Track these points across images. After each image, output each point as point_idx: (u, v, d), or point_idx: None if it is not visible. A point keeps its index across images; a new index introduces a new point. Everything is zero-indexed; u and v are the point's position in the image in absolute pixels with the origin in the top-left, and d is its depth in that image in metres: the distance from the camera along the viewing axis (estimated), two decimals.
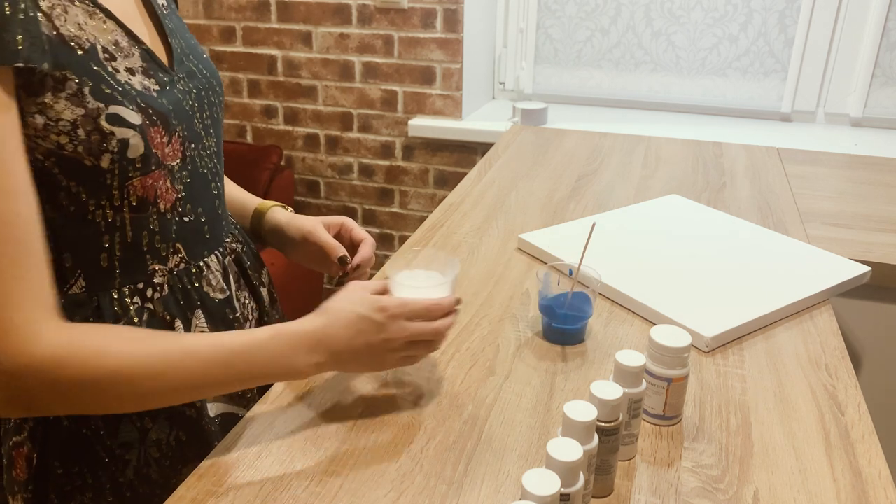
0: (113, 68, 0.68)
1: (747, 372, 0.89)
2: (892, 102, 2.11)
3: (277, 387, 0.84)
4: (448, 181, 2.27)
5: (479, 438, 0.76)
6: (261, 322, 0.94)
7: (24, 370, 0.61)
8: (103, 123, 0.66)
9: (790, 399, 0.84)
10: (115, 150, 0.67)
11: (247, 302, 0.90)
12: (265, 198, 1.03)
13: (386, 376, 0.86)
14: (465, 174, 1.58)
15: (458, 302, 0.78)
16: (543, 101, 2.30)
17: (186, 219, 0.78)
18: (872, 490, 0.70)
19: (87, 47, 0.66)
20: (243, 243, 0.92)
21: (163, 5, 0.82)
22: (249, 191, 1.03)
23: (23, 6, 0.60)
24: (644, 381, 0.73)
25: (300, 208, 2.47)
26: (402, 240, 2.34)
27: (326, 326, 0.72)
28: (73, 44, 0.65)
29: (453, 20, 2.09)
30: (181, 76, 0.77)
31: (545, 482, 0.57)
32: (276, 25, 2.26)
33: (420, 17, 2.12)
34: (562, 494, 0.59)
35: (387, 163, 2.31)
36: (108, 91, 0.67)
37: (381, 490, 0.69)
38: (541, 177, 1.55)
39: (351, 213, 2.41)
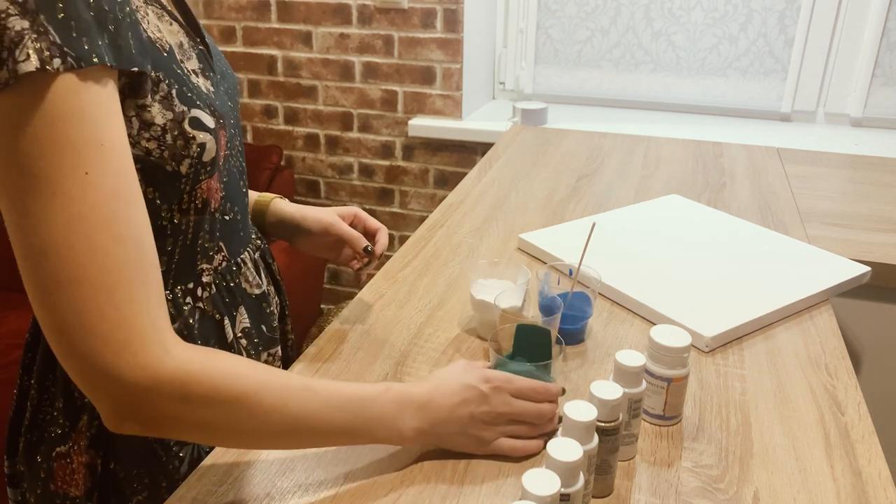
0: (187, 69, 0.68)
1: (747, 372, 0.89)
2: (892, 102, 2.11)
3: None
4: (448, 181, 2.27)
5: None
6: (282, 314, 0.95)
7: (151, 383, 0.57)
8: (187, 128, 0.65)
9: (790, 399, 0.84)
10: (195, 154, 0.67)
11: (273, 295, 0.91)
12: None
13: (387, 376, 0.86)
14: (466, 174, 1.58)
15: (563, 391, 0.78)
16: (543, 101, 2.30)
17: (227, 217, 0.78)
18: (872, 490, 0.70)
19: (167, 49, 0.66)
20: (261, 238, 0.93)
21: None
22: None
23: (128, 9, 0.59)
24: (644, 381, 0.73)
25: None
26: (403, 240, 2.34)
27: (433, 391, 0.70)
28: (158, 45, 0.64)
29: (453, 20, 2.09)
30: (219, 76, 0.77)
31: (545, 482, 0.57)
32: (276, 25, 2.26)
33: (420, 17, 2.12)
34: (562, 494, 0.59)
35: (387, 163, 2.31)
36: (189, 94, 0.66)
37: (381, 490, 0.69)
38: (541, 177, 1.55)
39: None
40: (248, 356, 0.83)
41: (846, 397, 0.84)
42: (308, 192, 2.44)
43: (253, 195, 0.99)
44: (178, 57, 0.67)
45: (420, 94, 2.21)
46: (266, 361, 0.86)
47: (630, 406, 0.72)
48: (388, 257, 1.16)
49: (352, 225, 0.97)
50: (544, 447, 0.74)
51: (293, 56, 2.28)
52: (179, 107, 0.65)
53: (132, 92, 0.61)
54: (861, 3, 2.03)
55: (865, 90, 2.10)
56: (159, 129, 0.63)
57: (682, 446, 0.76)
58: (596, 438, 0.65)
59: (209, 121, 0.68)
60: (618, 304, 1.04)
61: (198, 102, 0.67)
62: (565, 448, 0.60)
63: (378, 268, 1.05)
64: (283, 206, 0.97)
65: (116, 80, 0.58)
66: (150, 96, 0.62)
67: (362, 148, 2.32)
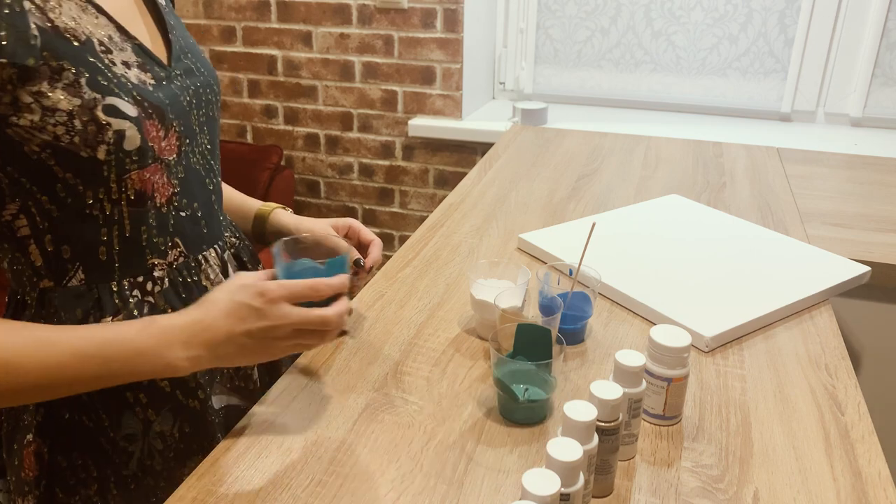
0: (109, 61, 0.69)
1: (747, 372, 0.89)
2: (891, 102, 2.11)
3: (277, 386, 0.84)
4: (448, 181, 2.27)
5: (479, 438, 0.76)
6: None
7: None
8: (99, 114, 0.66)
9: (790, 399, 0.84)
10: (112, 141, 0.67)
11: None
12: (265, 198, 1.04)
13: (386, 377, 0.86)
14: (465, 174, 1.58)
15: (348, 286, 0.72)
16: (543, 101, 2.30)
17: (183, 213, 0.78)
18: (872, 490, 0.70)
19: (83, 39, 0.67)
20: (240, 239, 0.93)
21: (163, 4, 0.82)
22: (249, 191, 1.04)
23: (8, 0, 0.61)
24: (644, 381, 0.73)
25: (300, 208, 2.47)
26: (403, 240, 2.34)
27: (202, 318, 0.67)
28: (68, 35, 0.66)
29: (453, 20, 2.09)
30: (179, 73, 0.77)
31: (545, 482, 0.57)
32: (276, 25, 2.26)
33: (420, 17, 2.12)
34: (562, 494, 0.59)
35: (387, 163, 2.31)
36: (104, 82, 0.67)
37: (381, 490, 0.69)
38: (541, 177, 1.55)
39: (351, 212, 2.41)
40: None
41: (846, 397, 0.84)
42: (308, 192, 2.44)
43: (255, 204, 0.99)
44: (98, 48, 0.68)
45: (420, 93, 2.21)
46: None
47: (630, 406, 0.72)
48: (388, 258, 1.16)
49: (346, 236, 0.97)
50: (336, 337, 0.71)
51: (293, 56, 2.29)
52: (90, 94, 0.66)
53: (22, 80, 0.63)
54: (861, 4, 2.03)
55: (865, 90, 2.10)
56: (65, 114, 0.65)
57: (682, 446, 0.76)
58: (596, 438, 0.65)
59: (129, 109, 0.68)
60: (618, 304, 1.04)
61: (116, 91, 0.67)
62: (565, 448, 0.60)
63: (379, 267, 1.05)
64: (282, 216, 0.98)
65: None
66: (46, 83, 0.63)
67: (362, 148, 2.32)
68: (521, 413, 0.78)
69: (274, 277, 0.71)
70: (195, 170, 0.80)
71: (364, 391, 0.83)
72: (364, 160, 2.34)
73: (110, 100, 0.67)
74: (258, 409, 0.80)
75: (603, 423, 0.66)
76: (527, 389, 0.78)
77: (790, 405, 0.83)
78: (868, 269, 1.11)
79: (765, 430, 0.79)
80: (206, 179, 0.82)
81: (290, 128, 2.38)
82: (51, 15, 0.65)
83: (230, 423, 0.79)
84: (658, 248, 1.17)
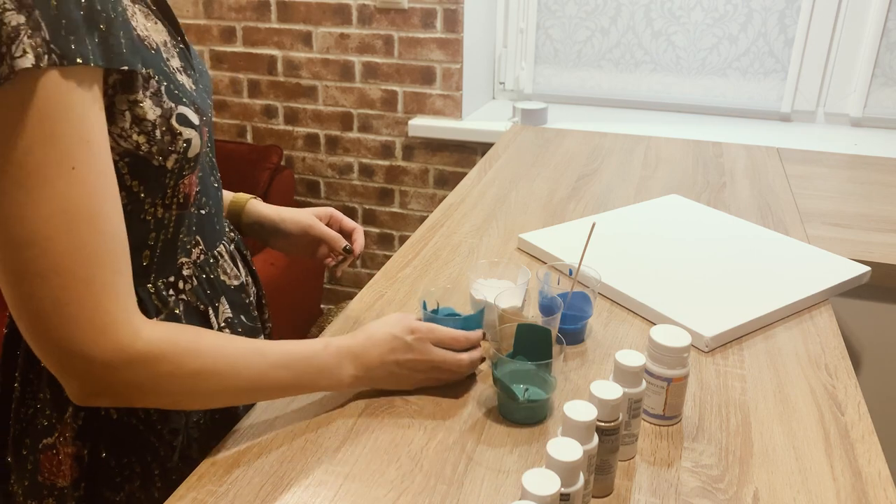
0: (172, 68, 0.69)
1: (747, 372, 0.89)
2: (891, 102, 2.11)
3: None
4: (448, 181, 2.27)
5: (478, 438, 0.76)
6: (259, 303, 0.95)
7: (123, 364, 0.62)
8: (174, 123, 0.67)
9: (790, 399, 0.84)
10: (181, 150, 0.68)
11: (250, 285, 0.92)
12: (265, 198, 1.04)
13: None
14: (465, 174, 1.58)
15: (483, 336, 0.85)
16: (543, 101, 2.30)
17: (202, 211, 0.80)
18: (872, 490, 0.70)
19: (155, 47, 0.67)
20: (234, 231, 0.94)
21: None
22: (250, 190, 1.04)
23: (120, 8, 0.60)
24: (644, 381, 0.73)
25: (301, 208, 2.47)
26: (403, 240, 2.34)
27: (365, 342, 0.79)
28: (146, 44, 0.66)
29: (453, 20, 2.09)
30: (198, 74, 0.78)
31: (545, 482, 0.57)
32: (276, 25, 2.26)
33: (420, 17, 2.12)
34: (562, 494, 0.59)
35: (387, 163, 2.31)
36: (175, 91, 0.67)
37: (381, 490, 0.69)
38: (541, 177, 1.55)
39: (351, 212, 2.41)
40: None
41: (846, 397, 0.84)
42: (308, 192, 2.44)
43: (227, 195, 0.99)
44: (164, 55, 0.68)
45: (420, 93, 2.21)
46: None
47: (630, 406, 0.72)
48: (388, 258, 1.16)
49: (328, 225, 1.01)
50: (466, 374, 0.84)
51: (293, 56, 2.28)
52: (168, 103, 0.66)
53: (123, 88, 0.62)
54: (861, 4, 2.03)
55: (865, 90, 2.10)
56: (150, 124, 0.65)
57: (681, 446, 0.76)
58: (596, 438, 0.65)
59: (194, 117, 0.69)
60: (618, 303, 1.04)
61: (183, 99, 0.68)
62: (565, 448, 0.60)
63: (377, 267, 1.05)
64: (259, 207, 0.99)
65: (101, 80, 0.60)
66: (141, 92, 0.63)
67: (362, 148, 2.32)
68: (521, 413, 0.78)
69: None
70: (206, 168, 0.81)
71: (364, 391, 0.83)
72: (364, 160, 2.34)
73: (181, 109, 0.68)
74: (258, 410, 0.80)
75: (603, 423, 0.66)
76: (527, 389, 0.79)
77: (790, 405, 0.83)
78: (868, 269, 1.11)
79: (765, 430, 0.79)
80: (211, 176, 0.83)
81: (290, 128, 2.38)
82: (133, 23, 0.64)
83: (248, 407, 0.83)
84: (658, 248, 1.17)
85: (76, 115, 0.57)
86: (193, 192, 0.76)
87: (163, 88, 0.66)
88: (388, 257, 2.40)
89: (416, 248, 1.20)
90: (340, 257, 1.00)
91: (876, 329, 1.34)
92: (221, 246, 0.85)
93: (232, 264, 0.86)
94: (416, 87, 2.20)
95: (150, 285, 0.74)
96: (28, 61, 0.53)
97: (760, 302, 1.00)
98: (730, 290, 1.04)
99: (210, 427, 0.81)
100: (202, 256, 0.81)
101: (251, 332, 0.87)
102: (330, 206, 2.42)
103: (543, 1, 2.29)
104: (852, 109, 2.13)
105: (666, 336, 0.77)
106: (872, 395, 1.19)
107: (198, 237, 0.80)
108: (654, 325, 0.87)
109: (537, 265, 1.15)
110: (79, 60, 0.56)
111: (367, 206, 2.39)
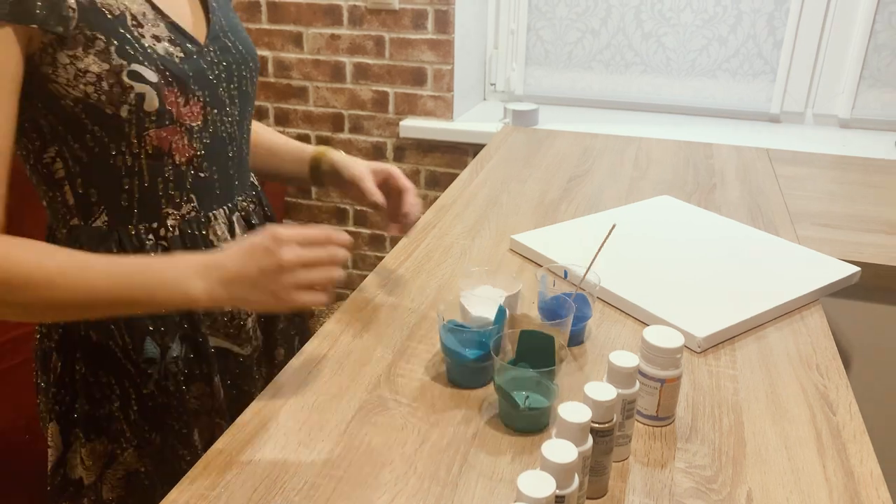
0: (139, 33, 0.78)
1: (739, 372, 0.89)
2: (879, 104, 2.12)
3: (269, 389, 0.84)
4: (439, 182, 2.27)
5: (472, 440, 0.76)
6: None
7: None
8: (124, 78, 0.75)
9: (782, 399, 0.84)
10: (133, 102, 0.77)
11: None
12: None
13: (379, 379, 0.86)
14: (457, 175, 1.58)
15: (350, 242, 0.80)
16: (534, 102, 2.30)
17: (202, 174, 0.87)
18: (864, 489, 0.71)
19: (116, 13, 0.76)
20: (257, 204, 0.99)
21: None
22: None
23: None
24: (637, 382, 0.73)
25: (291, 209, 2.46)
26: (394, 241, 2.34)
27: (219, 255, 0.75)
28: (104, 10, 0.75)
29: (444, 21, 2.09)
30: (213, 49, 0.86)
31: (540, 484, 0.57)
32: (266, 26, 2.25)
33: (411, 18, 2.11)
34: (557, 496, 0.59)
35: None
36: (131, 51, 0.76)
37: (375, 492, 0.69)
38: (532, 178, 1.55)
39: (342, 213, 2.41)
40: None
41: (837, 397, 0.85)
42: (298, 193, 2.43)
43: (307, 149, 1.08)
44: (131, 22, 0.77)
45: (411, 94, 2.20)
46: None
47: (624, 407, 0.72)
48: (380, 259, 1.15)
49: (383, 181, 1.04)
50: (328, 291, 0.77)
51: (284, 57, 2.28)
52: (117, 60, 0.75)
53: (61, 45, 0.73)
54: (849, 5, 2.04)
55: (853, 91, 2.11)
56: (94, 76, 0.74)
57: (675, 447, 0.76)
58: (590, 440, 0.65)
59: (151, 76, 0.77)
60: (610, 305, 1.04)
61: (141, 59, 0.77)
62: (560, 449, 0.60)
63: (370, 268, 1.04)
64: (331, 155, 1.06)
65: (23, 35, 0.70)
66: (81, 49, 0.73)
67: (353, 149, 2.32)
68: (523, 421, 0.78)
69: None
70: (221, 137, 0.88)
71: (357, 393, 0.83)
72: None
73: (135, 66, 0.76)
74: (250, 413, 0.80)
75: (597, 425, 0.66)
76: (527, 397, 0.78)
77: (782, 405, 0.83)
78: (858, 269, 1.11)
79: (757, 430, 0.79)
80: (228, 147, 0.90)
81: (280, 128, 2.37)
82: None
83: (218, 363, 0.90)
84: (649, 249, 1.17)
85: None
86: (183, 152, 0.83)
87: (112, 48, 0.75)
88: (380, 258, 2.39)
89: (409, 249, 1.20)
90: (387, 216, 1.04)
91: (866, 329, 1.35)
92: (221, 210, 0.90)
93: (226, 230, 0.91)
94: (407, 88, 2.20)
95: (130, 227, 0.83)
96: None
97: (752, 302, 1.00)
98: (721, 290, 1.04)
99: (185, 363, 0.88)
100: (192, 213, 0.87)
101: None
102: (321, 206, 2.42)
103: (534, 2, 2.29)
104: (840, 111, 2.14)
105: (659, 337, 0.77)
106: (863, 394, 1.19)
107: (192, 195, 0.86)
108: (647, 326, 0.87)
109: (530, 266, 1.15)
110: None
111: (359, 208, 2.38)
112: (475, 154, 1.90)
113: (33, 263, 0.70)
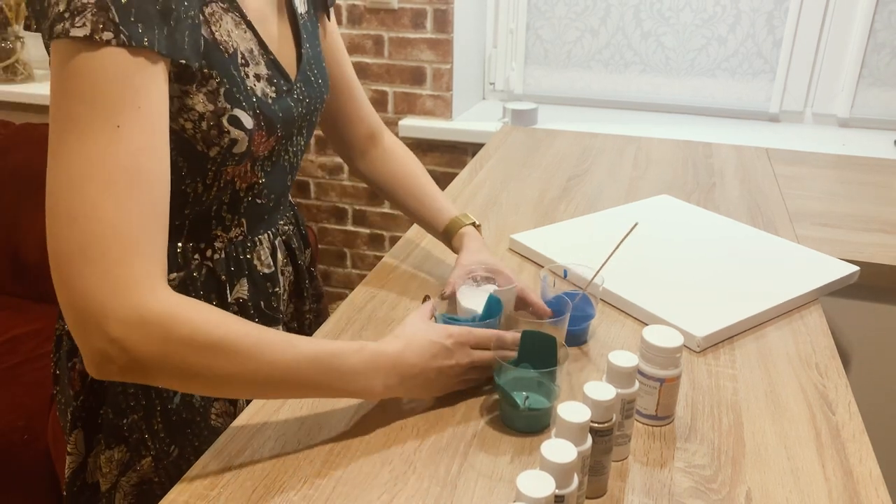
0: (245, 73, 0.77)
1: (738, 372, 0.89)
2: (878, 103, 2.12)
3: None
4: (439, 181, 2.25)
5: (472, 440, 0.76)
6: (301, 295, 1.03)
7: (137, 322, 0.61)
8: (224, 122, 0.75)
9: (781, 398, 0.84)
10: (225, 145, 0.76)
11: (290, 277, 1.00)
12: None
13: None
14: (456, 175, 1.58)
15: (517, 342, 0.81)
16: (533, 101, 2.30)
17: (259, 201, 0.87)
18: (864, 489, 0.71)
19: (231, 52, 0.75)
20: (294, 225, 1.00)
21: (301, 13, 0.88)
22: None
23: (193, 12, 0.69)
24: (637, 382, 0.73)
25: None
26: (393, 240, 2.34)
27: (404, 351, 0.75)
28: (222, 48, 0.74)
29: (443, 21, 2.09)
30: (300, 84, 0.85)
31: (539, 484, 0.57)
32: None
33: (410, 17, 2.11)
34: (556, 496, 0.59)
35: None
36: (237, 95, 0.75)
37: (374, 492, 0.69)
38: (531, 177, 1.55)
39: (342, 212, 2.41)
40: None
41: (837, 396, 0.85)
42: (298, 192, 2.43)
43: (445, 213, 1.03)
44: (240, 61, 0.76)
45: (410, 94, 2.20)
46: None
47: (623, 407, 0.72)
48: (379, 258, 1.15)
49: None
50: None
51: None
52: (223, 103, 0.74)
53: (178, 78, 0.71)
54: (848, 5, 2.04)
55: (852, 91, 2.11)
56: (197, 114, 0.73)
57: (674, 446, 0.76)
58: (590, 439, 0.65)
59: (248, 122, 0.76)
60: (609, 304, 1.04)
61: (243, 104, 0.75)
62: (559, 449, 0.60)
63: (369, 268, 1.04)
64: (462, 236, 1.00)
65: (166, 67, 0.67)
66: (194, 86, 0.72)
67: None
68: (523, 421, 0.78)
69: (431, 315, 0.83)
70: (282, 166, 0.88)
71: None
72: None
73: (236, 111, 0.75)
74: (249, 412, 0.80)
75: (596, 424, 0.66)
76: (527, 397, 0.78)
77: (781, 405, 0.83)
78: (857, 268, 1.11)
79: (756, 429, 0.79)
80: (287, 175, 0.90)
81: None
82: (213, 28, 0.74)
83: None
84: (649, 249, 1.17)
85: (131, 85, 0.63)
86: (246, 180, 0.83)
87: (222, 90, 0.74)
88: (378, 258, 2.39)
89: (408, 248, 1.20)
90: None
91: (865, 328, 1.35)
92: (266, 235, 0.91)
93: (269, 254, 0.92)
94: (406, 87, 2.20)
95: (178, 244, 0.83)
96: (82, 32, 0.60)
97: (751, 302, 1.00)
98: (720, 290, 1.04)
99: None
100: (240, 237, 0.88)
101: (269, 321, 0.92)
102: (321, 206, 2.42)
103: (533, 1, 2.29)
104: (840, 110, 2.14)
105: (658, 336, 0.77)
106: (862, 394, 1.19)
107: (243, 220, 0.87)
108: (646, 325, 0.87)
109: (529, 265, 1.15)
110: (145, 43, 0.63)
111: (358, 207, 2.38)
112: (474, 153, 1.90)
113: (241, 332, 0.66)
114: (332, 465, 0.72)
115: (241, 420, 0.79)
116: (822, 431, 0.79)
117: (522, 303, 0.91)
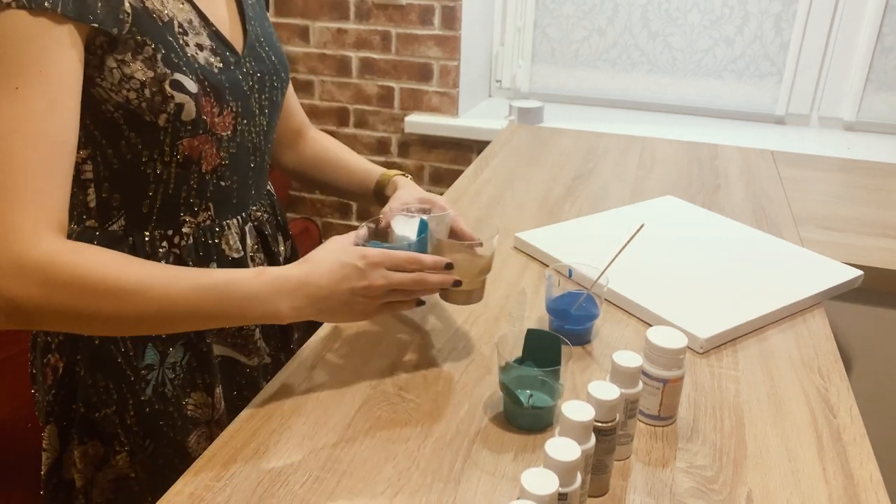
0: (184, 42, 0.78)
1: (741, 373, 0.89)
2: (885, 107, 2.12)
3: (274, 382, 0.84)
4: (444, 179, 2.27)
5: (475, 436, 0.77)
6: None
7: (12, 271, 0.64)
8: (167, 87, 0.75)
9: (783, 401, 0.85)
10: (172, 111, 0.76)
11: (263, 265, 0.96)
12: None
13: (382, 374, 0.86)
14: (461, 172, 1.58)
15: (446, 265, 0.79)
16: (540, 99, 2.31)
17: (223, 183, 0.87)
18: (864, 493, 0.71)
19: (165, 20, 0.76)
20: (270, 214, 0.98)
21: None
22: None
23: None
24: (640, 382, 0.74)
25: (295, 204, 2.47)
26: None
27: (310, 272, 0.74)
28: (154, 16, 0.75)
29: (451, 17, 2.09)
30: (249, 60, 0.86)
31: (543, 482, 0.57)
32: (273, 19, 2.25)
33: (418, 13, 2.11)
34: (560, 494, 0.60)
35: (382, 159, 2.31)
36: (175, 60, 0.76)
37: (377, 487, 0.70)
38: (537, 176, 1.55)
39: (346, 208, 2.41)
40: None
41: (838, 400, 0.85)
42: (303, 186, 2.43)
43: (375, 170, 1.05)
44: (177, 29, 0.77)
45: (417, 90, 2.21)
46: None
47: (626, 406, 0.72)
48: None
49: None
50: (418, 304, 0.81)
51: (290, 50, 2.28)
52: (162, 69, 0.75)
53: (110, 48, 0.72)
54: (856, 8, 2.04)
55: (859, 94, 2.11)
56: (138, 82, 0.74)
57: (676, 447, 0.77)
58: (593, 438, 0.65)
59: (192, 86, 0.77)
60: (614, 304, 1.04)
61: (184, 68, 0.76)
62: (563, 448, 0.61)
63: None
64: (399, 181, 1.03)
65: (80, 35, 0.69)
66: (129, 54, 0.73)
67: (358, 144, 2.32)
68: (526, 419, 0.78)
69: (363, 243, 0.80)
70: (246, 147, 0.88)
71: (360, 388, 0.84)
72: None
73: (178, 76, 0.76)
74: (255, 406, 0.80)
75: (600, 424, 0.67)
76: (531, 395, 0.78)
77: (783, 407, 0.84)
78: (861, 272, 1.12)
79: (758, 431, 0.80)
80: (252, 157, 0.90)
81: None
82: None
83: (224, 373, 0.90)
84: (653, 250, 1.18)
85: (34, 47, 0.65)
86: (210, 161, 0.83)
87: (159, 56, 0.74)
88: None
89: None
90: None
91: (868, 332, 1.36)
92: (235, 220, 0.90)
93: (238, 239, 0.90)
94: (412, 83, 2.20)
95: (146, 232, 0.83)
96: None
97: (754, 304, 1.00)
98: (724, 291, 1.05)
99: (186, 370, 0.87)
100: (208, 222, 0.87)
101: None
102: (325, 201, 2.43)
103: (541, 0, 2.29)
104: (846, 113, 2.14)
105: (662, 337, 0.77)
106: (864, 398, 1.20)
107: (210, 203, 0.86)
108: (650, 326, 0.87)
109: (533, 264, 1.15)
110: (46, 5, 0.65)
111: (363, 203, 2.38)
112: (480, 151, 1.90)
113: (123, 271, 0.68)
114: (337, 460, 0.73)
115: (246, 413, 0.79)
116: (824, 434, 0.79)
117: (455, 233, 0.91)
